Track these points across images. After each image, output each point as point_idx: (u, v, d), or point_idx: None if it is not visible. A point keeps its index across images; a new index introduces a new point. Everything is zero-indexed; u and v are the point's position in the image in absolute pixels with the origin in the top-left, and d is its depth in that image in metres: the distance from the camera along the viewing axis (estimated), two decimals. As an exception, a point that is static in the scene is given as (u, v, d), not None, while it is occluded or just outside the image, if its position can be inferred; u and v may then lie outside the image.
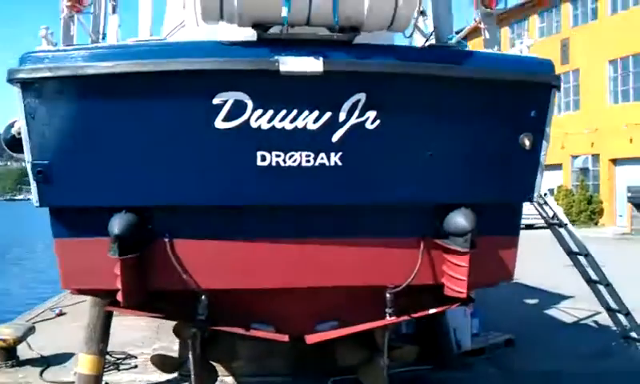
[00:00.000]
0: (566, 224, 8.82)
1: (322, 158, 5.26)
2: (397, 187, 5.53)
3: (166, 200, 5.37)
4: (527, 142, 5.54)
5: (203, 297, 5.75)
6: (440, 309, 6.29)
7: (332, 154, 5.26)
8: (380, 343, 6.69)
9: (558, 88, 5.60)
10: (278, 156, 5.22)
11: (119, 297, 5.46)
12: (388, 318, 6.03)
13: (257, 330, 6.06)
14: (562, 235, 8.86)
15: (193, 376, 6.30)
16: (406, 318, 6.20)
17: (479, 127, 5.49)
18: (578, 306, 13.44)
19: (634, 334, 8.50)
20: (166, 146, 5.18)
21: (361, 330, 6.18)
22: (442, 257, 5.87)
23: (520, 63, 5.79)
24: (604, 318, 11.67)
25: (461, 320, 9.75)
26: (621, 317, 8.58)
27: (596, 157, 41.01)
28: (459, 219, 5.58)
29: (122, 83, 4.98)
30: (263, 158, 5.22)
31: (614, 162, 39.71)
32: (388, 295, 5.91)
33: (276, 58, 4.96)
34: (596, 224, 39.16)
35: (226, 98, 5.03)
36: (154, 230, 5.52)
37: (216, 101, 5.03)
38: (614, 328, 8.98)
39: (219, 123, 5.10)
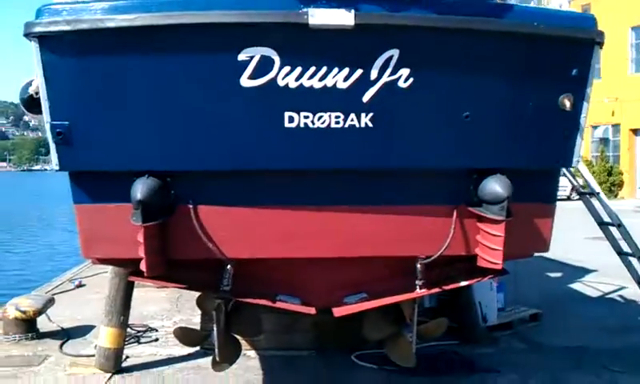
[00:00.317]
0: (598, 193, 8.52)
1: (352, 120, 5.00)
2: (430, 151, 5.27)
3: (189, 164, 5.15)
4: (567, 103, 5.24)
5: (228, 266, 5.55)
6: (472, 281, 6.05)
7: (362, 115, 5.00)
8: (408, 316, 6.49)
9: (601, 45, 5.28)
10: (306, 117, 4.97)
11: (142, 266, 5.25)
12: (418, 290, 5.80)
13: (283, 302, 5.85)
14: (592, 205, 8.59)
15: (217, 350, 6.12)
16: (436, 290, 5.96)
17: (518, 87, 5.20)
18: (603, 279, 13.18)
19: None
20: (190, 107, 4.94)
21: (390, 303, 5.95)
22: (475, 226, 5.61)
23: (562, 18, 5.46)
24: (630, 293, 11.46)
25: (487, 294, 9.53)
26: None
27: (616, 127, 40.37)
28: (494, 186, 5.32)
29: (144, 37, 4.74)
30: (291, 120, 4.97)
31: (635, 132, 39.05)
32: (419, 266, 5.67)
33: (305, 9, 4.69)
34: (615, 196, 38.65)
35: (252, 54, 4.77)
36: (177, 195, 5.30)
37: (242, 57, 4.77)
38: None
39: (245, 81, 4.83)
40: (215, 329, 6.06)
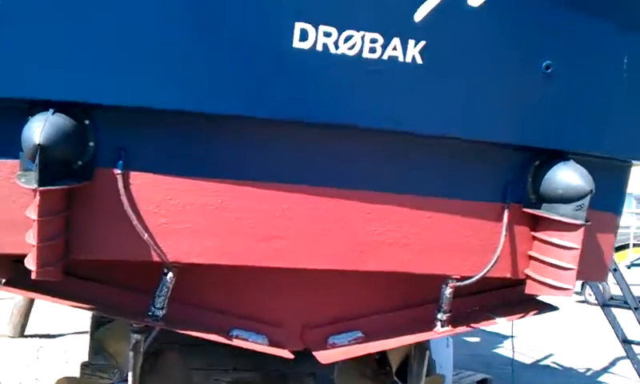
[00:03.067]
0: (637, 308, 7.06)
1: (395, 49, 3.25)
2: (486, 114, 3.62)
3: (124, 96, 3.16)
4: None
5: (169, 276, 3.50)
6: (513, 317, 4.33)
7: (411, 43, 3.26)
8: (395, 367, 4.69)
9: None
10: (327, 35, 3.15)
11: (28, 263, 3.11)
12: (439, 328, 4.01)
13: (241, 340, 3.84)
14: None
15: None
16: (462, 329, 4.17)
17: (612, 40, 3.69)
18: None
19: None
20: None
21: (402, 346, 4.13)
22: (527, 236, 3.96)
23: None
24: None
25: (442, 351, 7.83)
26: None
27: None
28: (571, 175, 3.73)
29: None
30: (303, 36, 3.14)
31: None
32: (447, 292, 3.90)
33: None
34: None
35: None
36: (99, 150, 3.26)
37: None
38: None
39: None
40: (130, 379, 3.90)
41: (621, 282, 6.72)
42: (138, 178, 3.35)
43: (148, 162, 3.37)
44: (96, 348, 5.81)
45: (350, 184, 3.62)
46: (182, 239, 3.45)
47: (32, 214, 3.03)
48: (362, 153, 3.62)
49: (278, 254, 3.59)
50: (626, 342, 6.89)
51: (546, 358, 10.50)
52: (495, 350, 11.23)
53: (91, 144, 3.28)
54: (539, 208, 3.87)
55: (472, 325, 4.15)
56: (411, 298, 4.15)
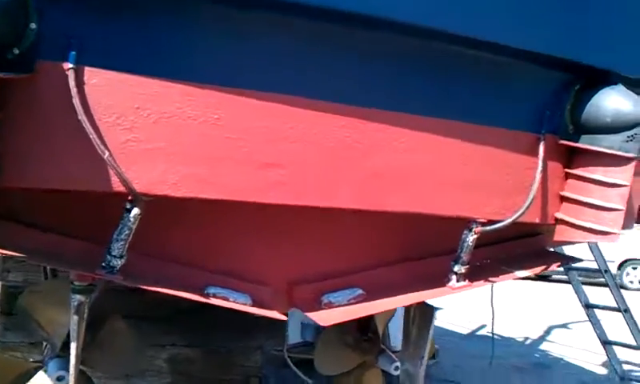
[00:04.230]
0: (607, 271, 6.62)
1: None
2: (526, 17, 2.96)
3: None
4: None
5: (133, 213, 2.62)
6: (537, 269, 3.71)
7: None
8: (381, 334, 4.02)
9: None
10: None
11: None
12: (454, 283, 3.34)
13: (219, 298, 3.02)
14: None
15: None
16: (479, 284, 3.50)
17: None
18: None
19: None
20: None
21: (409, 304, 3.43)
22: (561, 173, 3.36)
23: None
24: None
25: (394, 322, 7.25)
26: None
27: None
28: (620, 100, 3.14)
29: None
30: None
31: None
32: (469, 239, 3.23)
33: None
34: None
35: None
36: (42, 35, 2.35)
37: None
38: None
39: None
40: (73, 351, 2.99)
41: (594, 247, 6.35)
42: (95, 77, 2.46)
43: (110, 55, 2.48)
44: (6, 323, 4.82)
45: (369, 102, 2.87)
46: (152, 163, 2.59)
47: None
48: (385, 63, 2.88)
49: (277, 186, 2.79)
50: (588, 306, 6.55)
51: (481, 328, 10.18)
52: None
53: (33, 26, 2.35)
54: (577, 140, 3.26)
55: (490, 279, 3.50)
56: (418, 249, 3.46)
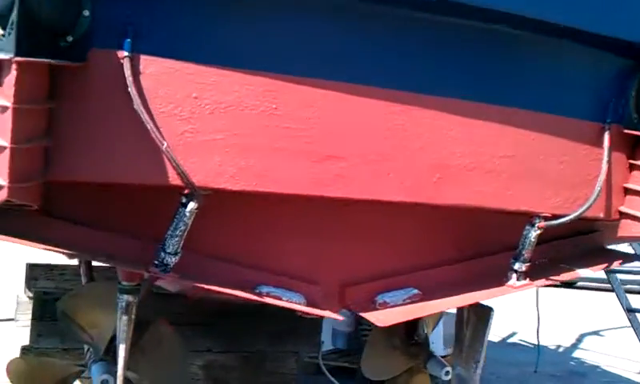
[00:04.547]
0: None
1: None
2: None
3: None
4: None
5: (189, 207, 2.50)
6: (597, 267, 3.56)
7: None
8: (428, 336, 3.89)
9: None
10: None
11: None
12: (514, 280, 3.19)
13: (273, 298, 2.89)
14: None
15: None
16: (542, 283, 3.35)
17: None
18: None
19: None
20: None
21: (467, 304, 3.29)
22: (625, 164, 3.22)
23: None
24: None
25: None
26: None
27: None
28: None
29: None
30: None
31: None
32: (532, 234, 3.08)
33: None
34: None
35: None
36: (96, 22, 2.26)
37: None
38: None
39: None
40: (121, 352, 2.87)
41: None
42: (151, 66, 2.35)
43: (166, 42, 2.37)
44: (40, 329, 4.70)
45: (430, 89, 2.74)
46: (210, 155, 2.47)
47: (3, 98, 1.98)
48: (446, 50, 2.75)
49: (336, 179, 2.67)
50: (630, 311, 6.36)
51: (512, 335, 9.98)
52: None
53: (86, 13, 2.25)
54: None
55: (551, 277, 3.34)
56: (475, 246, 3.32)
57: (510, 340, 9.86)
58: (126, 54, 2.28)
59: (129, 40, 2.28)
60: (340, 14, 2.58)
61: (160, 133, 2.35)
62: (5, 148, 2.00)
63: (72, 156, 2.31)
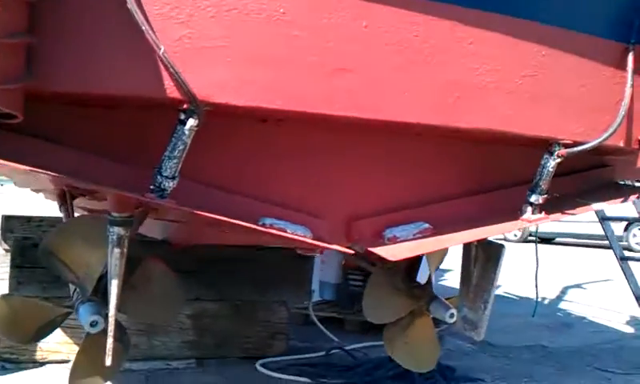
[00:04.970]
0: None
1: None
2: None
3: None
4: None
5: (189, 124, 2.26)
6: (613, 200, 3.39)
7: None
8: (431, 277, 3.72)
9: None
10: None
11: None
12: (529, 214, 3.01)
13: (280, 230, 2.67)
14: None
15: (110, 337, 2.68)
16: (557, 216, 3.17)
17: None
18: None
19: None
20: None
21: (481, 238, 3.10)
22: None
23: None
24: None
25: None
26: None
27: None
28: None
29: None
30: None
31: None
32: (550, 163, 2.89)
33: None
34: None
35: None
36: None
37: None
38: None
39: None
40: (114, 289, 2.64)
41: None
42: None
43: None
44: (19, 276, 4.46)
45: None
46: (213, 64, 2.21)
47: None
48: None
49: (347, 95, 2.44)
50: (623, 259, 6.27)
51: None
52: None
53: None
54: None
55: (566, 211, 3.17)
56: (488, 179, 3.13)
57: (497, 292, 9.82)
58: None
59: None
60: None
61: (156, 36, 2.09)
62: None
63: (57, 62, 2.05)
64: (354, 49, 2.39)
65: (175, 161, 2.30)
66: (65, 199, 3.57)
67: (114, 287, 2.60)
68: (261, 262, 5.05)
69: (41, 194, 5.91)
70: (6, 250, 5.57)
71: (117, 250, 2.59)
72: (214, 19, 2.19)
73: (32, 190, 5.74)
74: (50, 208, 5.79)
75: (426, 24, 2.49)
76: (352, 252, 2.86)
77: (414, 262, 3.72)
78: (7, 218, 6.44)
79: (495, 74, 2.65)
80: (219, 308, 5.03)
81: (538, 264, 5.32)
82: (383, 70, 2.46)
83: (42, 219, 6.42)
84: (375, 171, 2.93)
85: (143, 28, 2.04)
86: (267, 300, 5.22)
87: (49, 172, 2.25)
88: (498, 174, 3.12)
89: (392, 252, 2.82)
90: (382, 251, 2.83)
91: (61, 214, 5.44)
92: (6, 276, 4.62)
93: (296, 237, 2.68)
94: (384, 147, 2.90)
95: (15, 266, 4.50)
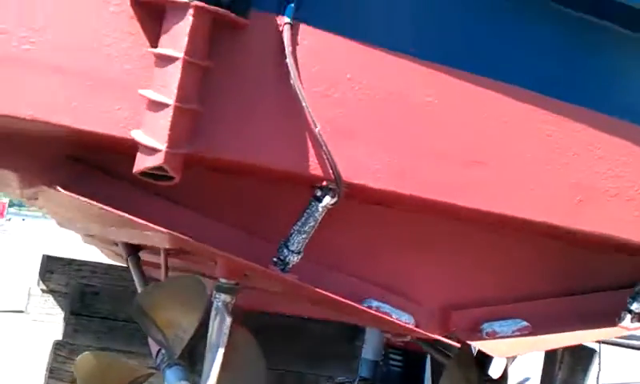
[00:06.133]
0: None
1: None
2: None
3: None
4: None
5: (324, 202, 2.25)
6: None
7: None
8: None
9: None
10: None
11: (150, 136, 1.79)
12: (628, 321, 2.96)
13: (383, 314, 2.63)
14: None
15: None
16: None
17: None
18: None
19: None
20: None
21: (578, 342, 3.03)
22: None
23: None
24: None
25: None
26: None
27: None
28: None
29: None
30: None
31: None
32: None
33: None
34: None
35: None
36: None
37: None
38: None
39: None
40: (218, 357, 2.58)
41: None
42: (309, 37, 2.10)
43: (326, 12, 2.13)
44: (76, 324, 4.40)
45: (583, 100, 2.52)
46: (355, 145, 2.22)
47: (171, 48, 1.72)
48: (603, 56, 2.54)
49: (479, 188, 2.42)
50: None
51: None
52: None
53: None
54: None
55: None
56: (587, 280, 3.08)
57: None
58: (287, 20, 2.04)
59: (291, 5, 2.04)
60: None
61: (310, 114, 2.10)
62: (167, 106, 1.73)
63: (221, 130, 2.04)
64: (492, 143, 2.39)
65: (304, 236, 2.28)
66: (133, 250, 3.56)
67: (218, 355, 2.54)
68: (312, 334, 4.97)
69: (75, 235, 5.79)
70: (43, 291, 5.50)
71: (219, 319, 2.54)
72: (363, 101, 2.20)
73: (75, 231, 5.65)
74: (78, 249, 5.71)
75: (558, 124, 2.49)
76: (459, 345, 2.78)
77: (486, 354, 3.63)
78: (48, 259, 6.38)
79: (617, 181, 2.64)
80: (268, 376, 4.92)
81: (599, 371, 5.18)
82: (515, 166, 2.45)
83: (83, 263, 6.37)
84: (475, 263, 2.89)
85: (303, 104, 2.05)
86: (315, 374, 5.12)
87: (162, 230, 2.20)
88: (594, 277, 3.08)
89: (497, 348, 2.75)
90: (484, 346, 2.76)
91: (112, 261, 5.41)
92: (42, 317, 4.55)
93: (400, 323, 2.63)
94: (486, 240, 2.87)
95: (72, 312, 4.43)
